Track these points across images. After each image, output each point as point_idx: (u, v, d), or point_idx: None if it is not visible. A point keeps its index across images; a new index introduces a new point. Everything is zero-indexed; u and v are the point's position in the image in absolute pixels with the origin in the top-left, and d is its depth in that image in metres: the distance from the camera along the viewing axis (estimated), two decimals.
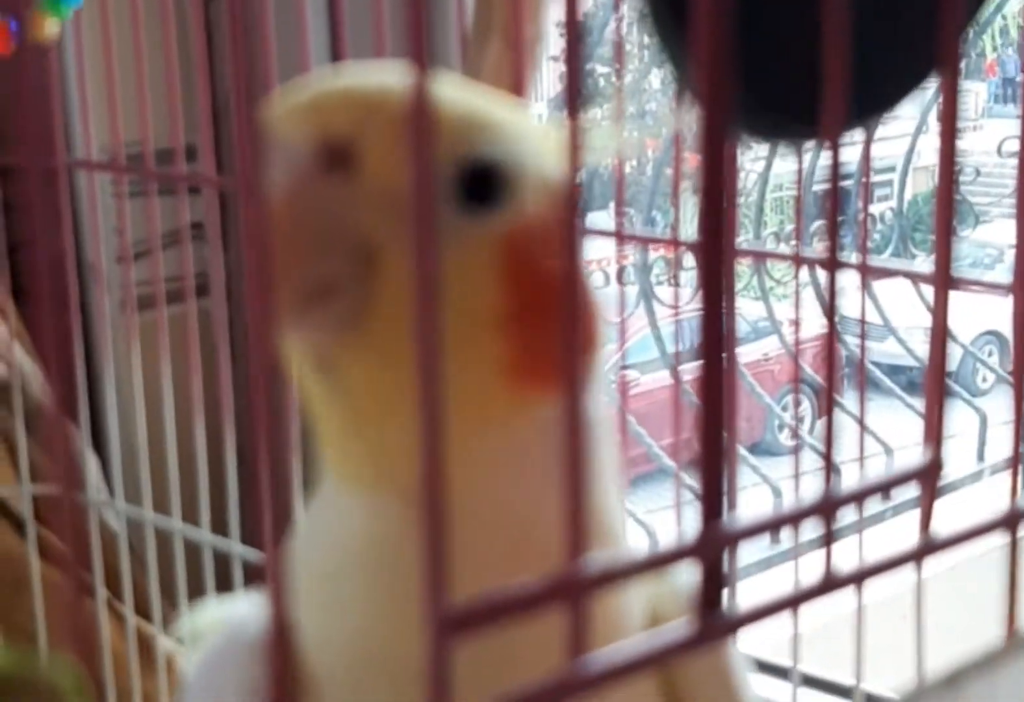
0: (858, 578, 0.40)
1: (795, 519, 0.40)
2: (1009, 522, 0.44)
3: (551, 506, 0.50)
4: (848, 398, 1.13)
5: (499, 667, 0.44)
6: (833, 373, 0.40)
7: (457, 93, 0.53)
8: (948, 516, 0.44)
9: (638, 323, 2.09)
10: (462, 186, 0.51)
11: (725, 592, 0.39)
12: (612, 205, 0.94)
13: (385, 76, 0.52)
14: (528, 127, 0.54)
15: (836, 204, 0.40)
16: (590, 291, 0.54)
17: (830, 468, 0.40)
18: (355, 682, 0.54)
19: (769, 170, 2.13)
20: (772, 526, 0.39)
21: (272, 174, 0.50)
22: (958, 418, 1.08)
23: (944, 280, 0.43)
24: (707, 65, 0.36)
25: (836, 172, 0.39)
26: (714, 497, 0.38)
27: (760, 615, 0.39)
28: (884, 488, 0.41)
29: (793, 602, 0.40)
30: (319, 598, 0.54)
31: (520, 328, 0.50)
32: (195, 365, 1.06)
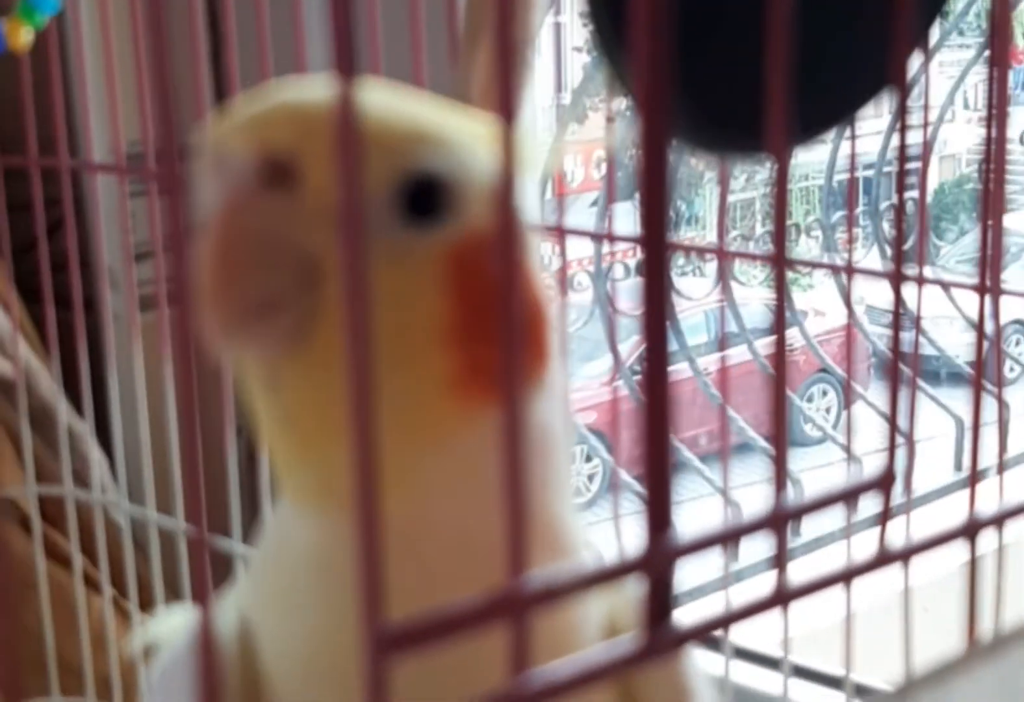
0: (810, 590, 0.40)
1: (744, 532, 0.40)
2: (969, 531, 0.44)
3: (494, 519, 0.50)
4: (873, 389, 1.12)
5: (442, 682, 0.44)
6: (851, 375, 0.39)
7: (396, 104, 0.52)
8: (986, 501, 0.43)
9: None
10: (403, 199, 0.50)
11: (674, 605, 0.39)
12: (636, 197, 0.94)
13: (328, 90, 0.52)
14: (475, 136, 0.53)
15: (783, 213, 0.39)
16: (540, 300, 0.53)
17: (782, 478, 0.40)
18: (308, 694, 0.54)
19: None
20: (720, 540, 0.39)
21: (214, 189, 0.50)
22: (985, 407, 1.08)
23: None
24: (645, 70, 0.35)
25: (784, 188, 0.39)
26: (660, 509, 0.38)
27: (708, 628, 0.39)
28: (838, 499, 0.41)
29: (742, 615, 0.39)
30: (275, 610, 0.55)
31: (465, 342, 0.50)
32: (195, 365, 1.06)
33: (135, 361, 1.12)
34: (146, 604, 1.19)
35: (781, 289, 0.41)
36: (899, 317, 0.43)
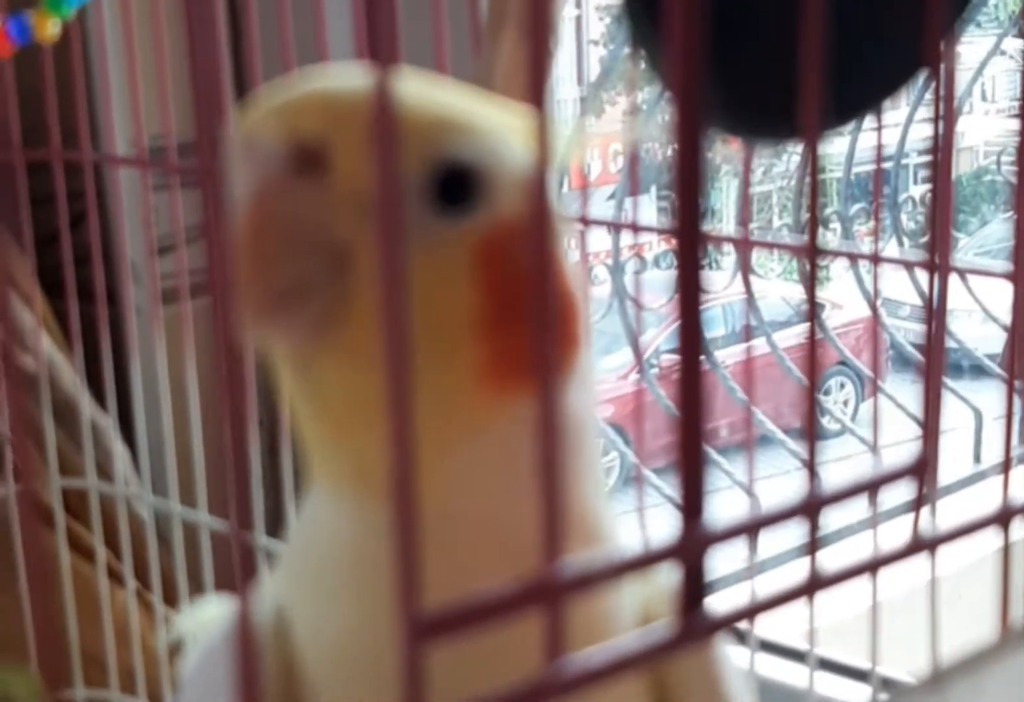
0: (843, 577, 0.40)
1: (777, 520, 0.39)
2: (1001, 518, 0.44)
3: (528, 508, 0.50)
4: (891, 381, 1.12)
5: (477, 670, 0.44)
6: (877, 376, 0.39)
7: (429, 93, 0.52)
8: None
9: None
10: (435, 188, 0.50)
11: (707, 592, 0.39)
12: (653, 189, 0.94)
13: (358, 78, 0.52)
14: (506, 126, 0.53)
15: (816, 200, 0.39)
16: (570, 290, 0.53)
17: (813, 468, 0.40)
18: (343, 682, 0.54)
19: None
20: (754, 527, 0.39)
21: (244, 177, 0.50)
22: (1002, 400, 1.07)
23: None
24: (680, 60, 0.35)
25: (815, 171, 0.39)
26: (694, 497, 0.38)
27: (742, 616, 0.39)
28: (873, 486, 0.41)
29: (774, 603, 0.39)
30: (310, 599, 0.55)
31: (497, 331, 0.50)
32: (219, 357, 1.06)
33: (158, 354, 1.12)
34: (169, 597, 1.19)
35: (814, 278, 0.41)
36: (935, 307, 0.43)
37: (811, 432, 0.40)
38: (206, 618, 0.63)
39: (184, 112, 1.04)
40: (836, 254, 0.89)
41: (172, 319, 1.13)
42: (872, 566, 0.41)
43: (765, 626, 1.17)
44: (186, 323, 1.08)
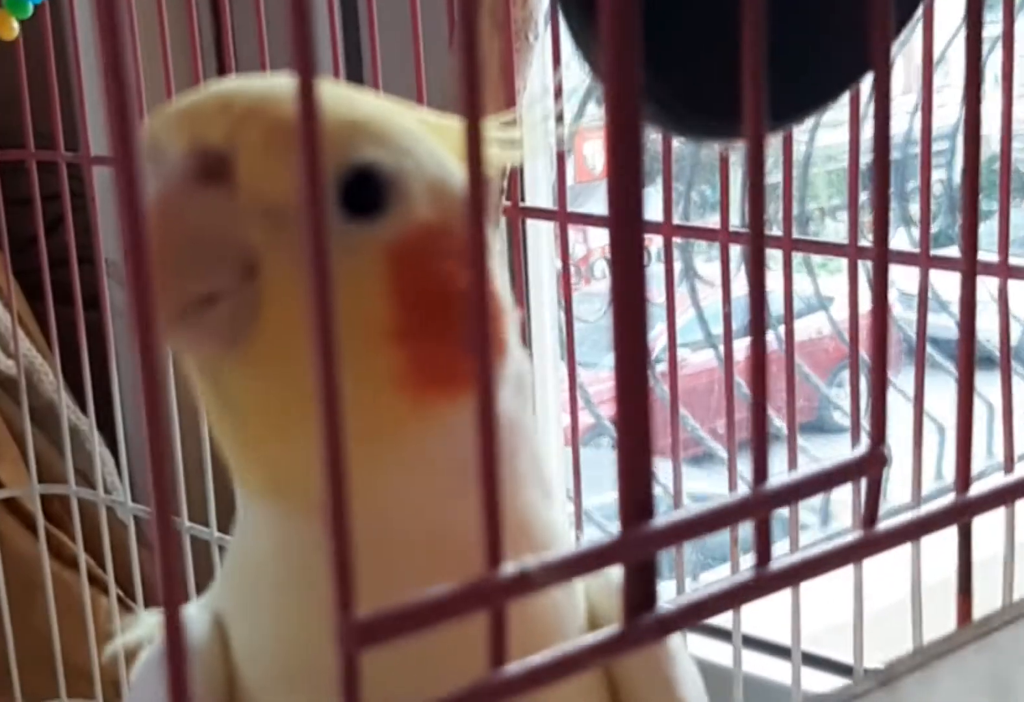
0: (792, 576, 0.40)
1: (726, 518, 0.39)
2: (957, 514, 0.43)
3: (464, 513, 0.50)
4: (904, 375, 1.10)
5: (417, 675, 0.44)
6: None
7: (338, 98, 0.51)
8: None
9: (682, 303, 2.06)
10: (344, 193, 0.50)
11: (654, 593, 0.38)
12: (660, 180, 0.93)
13: (264, 83, 0.51)
14: (423, 129, 0.53)
15: (760, 199, 0.39)
16: (495, 294, 0.52)
17: (763, 463, 0.39)
18: (280, 693, 0.53)
19: (812, 143, 2.11)
20: (700, 525, 0.38)
21: (150, 185, 0.49)
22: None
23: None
24: (612, 51, 0.35)
25: (760, 173, 0.38)
26: (639, 495, 0.37)
27: (691, 616, 0.38)
28: (823, 483, 0.41)
29: (721, 602, 0.39)
30: (242, 608, 0.54)
31: (413, 337, 0.49)
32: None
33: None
34: (153, 604, 1.19)
35: (759, 270, 0.40)
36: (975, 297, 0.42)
37: (760, 425, 0.39)
38: (157, 624, 0.63)
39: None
40: (829, 248, 0.88)
41: None
42: (828, 562, 0.41)
43: (752, 622, 1.17)
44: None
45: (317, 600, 0.50)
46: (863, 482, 0.42)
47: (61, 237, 1.15)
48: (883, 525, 0.41)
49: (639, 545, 0.37)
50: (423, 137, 0.52)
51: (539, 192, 1.33)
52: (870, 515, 0.42)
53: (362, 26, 1.34)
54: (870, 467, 0.41)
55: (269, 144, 0.48)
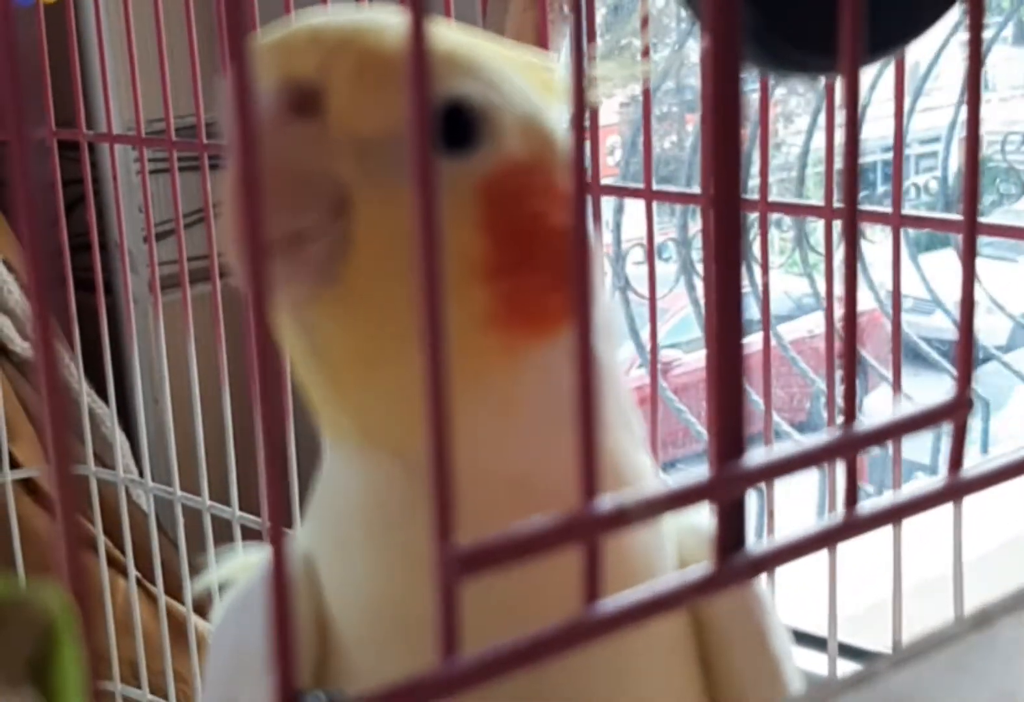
0: (882, 519, 0.39)
1: (816, 458, 0.38)
2: None
3: (556, 450, 0.49)
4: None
5: (512, 612, 0.43)
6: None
7: (432, 31, 0.51)
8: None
9: (680, 301, 2.05)
10: (438, 127, 0.49)
11: (745, 533, 0.37)
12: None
13: (354, 16, 0.50)
14: (516, 67, 0.52)
15: (855, 149, 0.38)
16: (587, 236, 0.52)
17: (852, 405, 0.39)
18: (373, 636, 0.53)
19: (809, 143, 2.11)
20: (792, 465, 0.38)
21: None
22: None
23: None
24: None
25: (855, 109, 0.38)
26: (731, 434, 0.37)
27: (782, 557, 0.38)
28: (910, 426, 0.40)
29: (817, 543, 0.38)
30: (331, 550, 0.54)
31: (505, 274, 0.48)
32: (221, 345, 1.05)
33: (159, 341, 1.11)
34: (172, 587, 1.18)
35: (853, 230, 0.40)
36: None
37: (849, 371, 0.39)
38: (241, 566, 0.62)
39: (182, 92, 1.03)
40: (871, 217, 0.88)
41: (171, 306, 1.12)
42: (909, 508, 0.40)
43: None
44: (187, 310, 1.07)
45: (406, 541, 0.50)
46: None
47: (78, 223, 1.14)
48: (967, 471, 0.41)
49: (732, 483, 0.37)
50: (513, 73, 0.51)
51: None
52: (956, 459, 0.41)
53: None
54: (956, 411, 0.41)
55: (361, 76, 0.47)
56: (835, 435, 0.39)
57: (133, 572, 1.21)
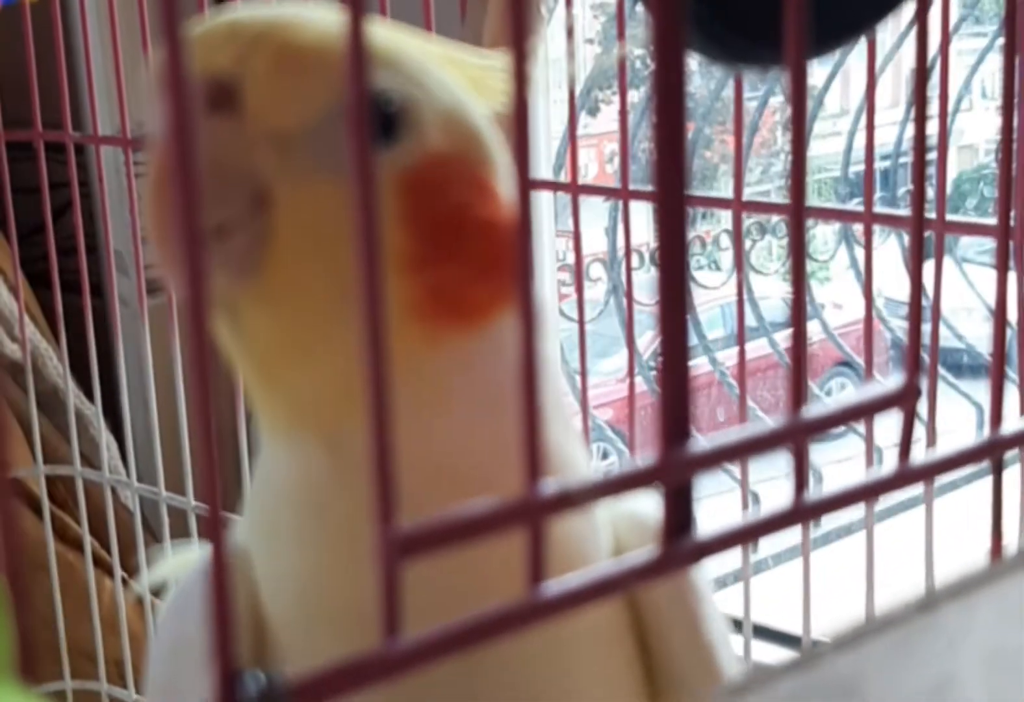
0: (825, 507, 0.39)
1: (764, 444, 0.39)
2: (990, 451, 0.43)
3: (486, 440, 0.50)
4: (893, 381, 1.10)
5: (456, 597, 0.44)
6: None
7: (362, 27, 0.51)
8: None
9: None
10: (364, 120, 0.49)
11: (691, 517, 0.38)
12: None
13: (274, 10, 0.50)
14: (444, 63, 0.52)
15: (801, 132, 0.39)
16: (510, 223, 0.52)
17: (800, 391, 0.39)
18: (307, 624, 0.53)
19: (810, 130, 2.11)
20: (739, 451, 0.38)
21: (160, 115, 0.49)
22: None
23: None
24: None
25: (802, 106, 0.38)
26: (676, 418, 0.37)
27: (729, 542, 0.38)
28: (858, 413, 0.40)
29: (758, 530, 0.39)
30: (266, 542, 0.54)
31: (427, 266, 0.49)
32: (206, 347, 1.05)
33: (143, 342, 1.11)
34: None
35: (800, 229, 0.40)
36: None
37: (797, 359, 0.39)
38: (184, 562, 0.62)
39: None
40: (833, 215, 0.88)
41: (157, 308, 1.12)
42: (863, 494, 0.40)
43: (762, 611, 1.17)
44: (172, 311, 1.07)
45: (337, 526, 0.50)
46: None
47: (66, 226, 1.14)
48: (916, 459, 0.41)
49: (678, 467, 0.37)
50: (436, 68, 0.51)
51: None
52: (905, 447, 0.41)
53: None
54: (905, 399, 0.41)
55: (277, 70, 0.48)
56: (783, 421, 0.39)
57: (119, 572, 1.21)
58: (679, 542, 0.38)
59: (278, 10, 0.50)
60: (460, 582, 0.46)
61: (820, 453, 1.93)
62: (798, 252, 0.38)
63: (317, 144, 0.49)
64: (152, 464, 1.15)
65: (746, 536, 0.39)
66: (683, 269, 0.37)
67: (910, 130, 0.38)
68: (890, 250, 1.88)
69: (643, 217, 0.89)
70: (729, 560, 1.40)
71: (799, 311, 0.39)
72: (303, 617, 0.53)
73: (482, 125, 0.52)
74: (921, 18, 0.40)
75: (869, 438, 0.84)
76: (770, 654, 1.22)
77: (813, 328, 2.19)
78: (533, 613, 0.35)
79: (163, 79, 0.47)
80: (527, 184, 0.35)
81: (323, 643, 0.52)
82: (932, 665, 0.36)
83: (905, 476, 0.41)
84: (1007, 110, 0.42)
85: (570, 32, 0.77)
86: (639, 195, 0.85)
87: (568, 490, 0.35)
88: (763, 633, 1.22)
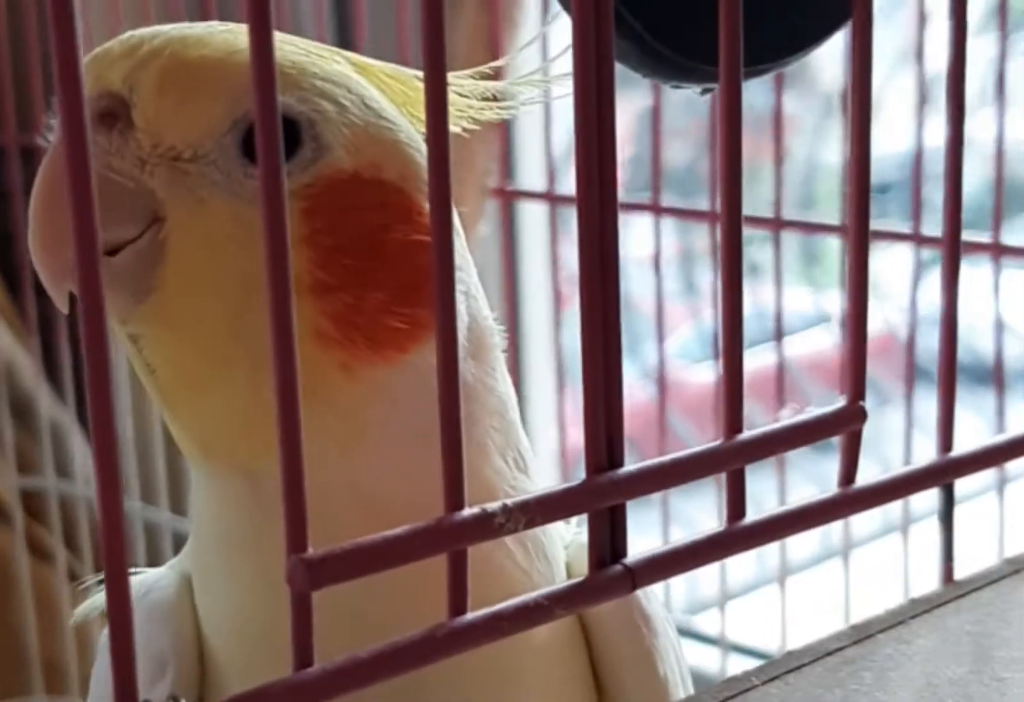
0: (766, 532, 0.38)
1: (699, 469, 0.38)
2: (939, 475, 0.42)
3: (405, 470, 0.48)
4: (900, 392, 1.09)
5: (383, 627, 0.42)
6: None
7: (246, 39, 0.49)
8: None
9: (679, 316, 2.04)
10: (243, 140, 0.47)
11: (620, 545, 0.37)
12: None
13: (180, 27, 0.49)
14: (369, 78, 0.51)
15: (737, 147, 0.38)
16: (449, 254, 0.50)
17: (737, 416, 0.38)
18: (239, 656, 0.52)
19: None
20: (672, 476, 0.37)
21: (57, 132, 0.48)
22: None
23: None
24: None
25: (737, 120, 0.37)
26: (606, 441, 0.36)
27: (662, 570, 0.37)
28: (798, 437, 0.39)
29: (699, 556, 0.37)
30: (197, 576, 0.53)
31: (329, 294, 0.47)
32: None
33: (116, 350, 1.10)
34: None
35: (735, 249, 0.39)
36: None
37: (732, 373, 0.38)
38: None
39: None
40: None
41: None
42: (795, 522, 0.39)
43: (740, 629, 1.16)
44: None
45: (255, 558, 0.49)
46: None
47: None
48: (862, 483, 0.40)
49: (605, 493, 0.36)
50: (357, 85, 0.50)
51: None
52: (847, 473, 0.40)
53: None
54: (849, 422, 0.40)
55: (163, 86, 0.47)
56: (718, 445, 0.38)
57: (94, 585, 1.19)
58: (608, 569, 0.36)
59: (182, 27, 0.49)
60: (391, 610, 0.45)
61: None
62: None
63: (210, 165, 0.47)
64: (125, 473, 1.14)
65: (680, 564, 0.37)
66: (614, 289, 0.36)
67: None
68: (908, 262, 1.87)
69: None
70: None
71: (733, 336, 0.38)
72: (238, 648, 0.52)
73: (410, 143, 0.50)
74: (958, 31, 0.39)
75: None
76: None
77: (821, 335, 2.17)
78: (450, 642, 0.34)
79: (58, 92, 0.46)
80: (447, 204, 0.34)
81: (261, 675, 0.51)
82: (860, 697, 0.35)
83: (851, 500, 0.40)
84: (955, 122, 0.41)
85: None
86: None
87: (489, 512, 0.34)
88: (741, 651, 1.21)
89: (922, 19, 0.90)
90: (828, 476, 0.41)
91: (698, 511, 1.34)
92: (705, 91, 0.42)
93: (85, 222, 0.29)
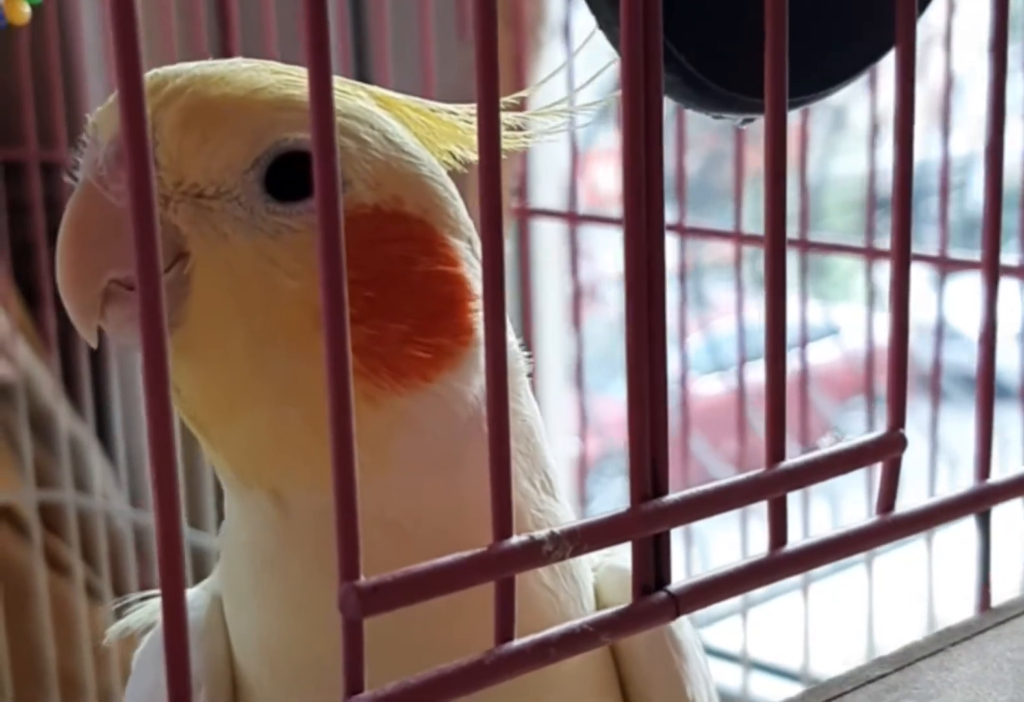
0: (808, 559, 0.39)
1: (740, 497, 0.38)
2: (976, 502, 0.42)
3: (432, 497, 0.48)
4: (919, 408, 1.09)
5: (428, 653, 0.42)
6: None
7: (268, 76, 0.50)
8: None
9: (693, 326, 2.04)
10: (266, 177, 0.48)
11: (664, 572, 0.37)
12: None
13: (205, 65, 0.49)
14: (395, 113, 0.51)
15: (781, 183, 0.38)
16: (462, 276, 0.50)
17: (780, 442, 0.38)
18: (271, 679, 0.52)
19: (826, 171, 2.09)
20: (714, 504, 0.37)
21: (83, 171, 0.48)
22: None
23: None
24: (630, 25, 0.34)
25: (782, 149, 0.37)
26: (650, 470, 0.36)
27: (705, 597, 0.37)
28: (839, 464, 0.40)
29: (739, 583, 0.38)
30: (229, 600, 0.53)
31: (355, 326, 0.47)
32: None
33: (137, 364, 1.10)
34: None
35: (781, 271, 0.39)
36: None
37: (776, 400, 0.38)
38: (155, 609, 0.61)
39: None
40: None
41: None
42: (838, 549, 0.40)
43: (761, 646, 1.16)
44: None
45: (286, 582, 0.49)
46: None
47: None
48: (900, 511, 0.40)
49: (650, 521, 0.36)
50: (378, 120, 0.50)
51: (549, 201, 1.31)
52: (887, 500, 0.41)
53: (370, 20, 1.32)
54: (888, 450, 0.40)
55: (186, 125, 0.47)
56: (761, 473, 0.38)
57: (111, 598, 1.20)
58: (652, 596, 0.37)
59: (205, 65, 0.49)
60: (438, 637, 0.45)
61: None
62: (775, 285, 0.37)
63: (232, 201, 0.48)
64: (143, 486, 1.15)
65: (722, 591, 0.38)
66: (660, 318, 0.36)
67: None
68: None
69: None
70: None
71: (777, 363, 0.38)
72: (268, 672, 0.52)
73: (432, 176, 0.50)
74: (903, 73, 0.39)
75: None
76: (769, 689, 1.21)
77: (830, 348, 2.17)
78: (498, 669, 0.34)
79: (121, 141, 0.46)
80: (499, 237, 0.34)
81: (290, 698, 0.51)
82: None
83: (889, 528, 0.40)
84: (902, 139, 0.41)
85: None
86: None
87: (537, 540, 0.34)
88: (762, 668, 1.21)
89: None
90: (832, 488, 0.41)
91: (708, 527, 1.34)
92: (745, 121, 0.42)
93: (151, 269, 0.29)
